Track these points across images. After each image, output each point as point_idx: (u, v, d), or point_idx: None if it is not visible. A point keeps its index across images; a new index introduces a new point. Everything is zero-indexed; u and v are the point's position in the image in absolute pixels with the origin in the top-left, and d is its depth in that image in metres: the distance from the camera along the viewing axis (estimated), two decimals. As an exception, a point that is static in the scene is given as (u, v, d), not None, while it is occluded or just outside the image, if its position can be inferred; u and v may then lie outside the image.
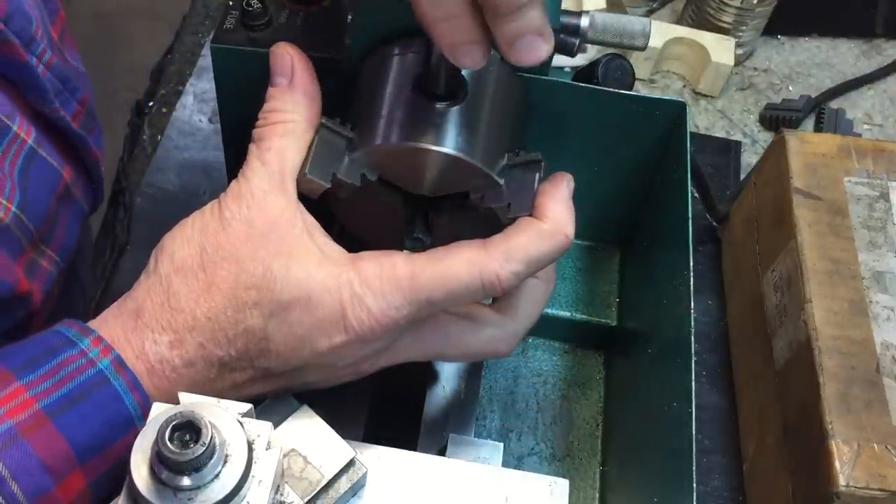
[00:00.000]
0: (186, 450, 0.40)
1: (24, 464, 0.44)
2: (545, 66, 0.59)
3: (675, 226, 0.61)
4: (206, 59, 1.01)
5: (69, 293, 0.70)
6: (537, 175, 0.52)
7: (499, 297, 0.55)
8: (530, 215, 0.51)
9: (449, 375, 0.68)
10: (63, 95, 0.61)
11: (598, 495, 0.70)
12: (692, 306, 0.57)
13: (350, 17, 0.57)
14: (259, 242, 0.48)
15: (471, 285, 0.49)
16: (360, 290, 0.48)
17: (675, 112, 0.63)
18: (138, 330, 0.48)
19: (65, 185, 0.64)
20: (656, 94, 0.75)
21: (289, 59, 0.52)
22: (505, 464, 0.61)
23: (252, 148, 0.51)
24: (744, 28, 1.02)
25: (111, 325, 0.48)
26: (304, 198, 0.52)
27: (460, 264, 0.48)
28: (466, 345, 0.54)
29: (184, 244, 0.49)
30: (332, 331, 0.48)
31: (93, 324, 0.49)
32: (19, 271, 0.58)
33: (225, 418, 0.43)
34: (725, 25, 1.02)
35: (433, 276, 0.48)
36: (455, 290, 0.49)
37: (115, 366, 0.46)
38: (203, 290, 0.48)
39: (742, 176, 0.96)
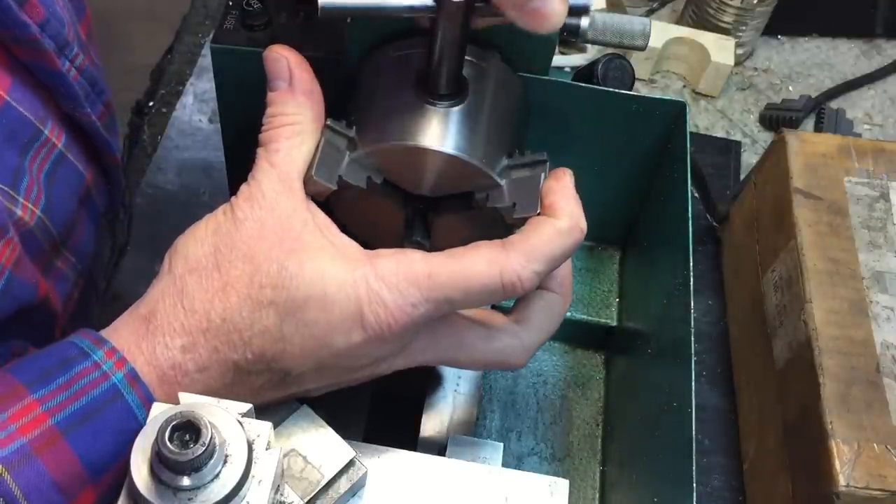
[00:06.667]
0: (186, 450, 0.40)
1: (37, 484, 0.43)
2: (545, 65, 0.59)
3: (675, 226, 0.61)
4: (206, 59, 1.01)
5: (85, 297, 0.70)
6: (542, 175, 0.52)
7: (516, 307, 0.55)
8: (538, 214, 0.51)
9: (449, 375, 0.68)
10: (91, 98, 0.61)
11: (598, 495, 0.70)
12: (692, 306, 0.57)
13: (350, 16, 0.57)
14: (273, 241, 0.48)
15: (490, 285, 0.48)
16: (376, 285, 0.47)
17: (675, 112, 0.63)
18: (150, 335, 0.47)
19: (86, 187, 0.64)
20: (656, 94, 0.75)
21: (284, 62, 0.52)
22: (505, 464, 0.61)
23: (260, 151, 0.51)
24: (744, 28, 1.02)
25: (122, 332, 0.48)
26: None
27: (480, 264, 0.48)
28: (480, 352, 0.53)
29: (197, 245, 0.49)
30: (349, 329, 0.48)
31: (105, 333, 0.48)
32: (38, 274, 0.58)
33: (225, 418, 0.43)
34: (725, 25, 1.02)
35: (452, 275, 0.48)
36: (474, 290, 0.48)
37: (129, 379, 0.46)
38: (218, 289, 0.47)
39: (742, 176, 0.96)
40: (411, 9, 0.47)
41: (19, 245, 0.54)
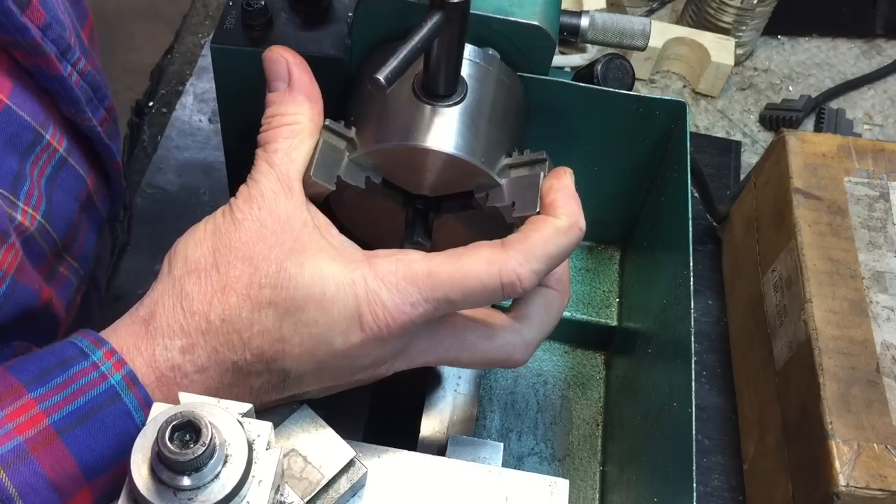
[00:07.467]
0: (186, 450, 0.40)
1: (33, 483, 0.43)
2: (545, 65, 0.59)
3: (675, 226, 0.61)
4: (206, 59, 1.01)
5: (87, 300, 0.70)
6: (542, 173, 0.52)
7: (515, 305, 0.55)
8: (538, 213, 0.51)
9: (449, 375, 0.68)
10: (93, 103, 0.61)
11: (598, 495, 0.70)
12: (692, 306, 0.57)
13: (351, 16, 0.57)
14: (272, 241, 0.48)
15: (489, 285, 0.48)
16: (374, 284, 0.47)
17: (675, 112, 0.63)
18: (149, 336, 0.47)
19: (88, 192, 0.64)
20: (656, 94, 0.75)
21: (284, 63, 0.52)
22: (505, 464, 0.61)
23: (259, 152, 0.51)
24: (744, 28, 1.02)
25: (122, 334, 0.48)
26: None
27: (479, 263, 0.48)
28: (482, 351, 0.53)
29: (196, 246, 0.49)
30: (348, 329, 0.48)
31: (105, 334, 0.48)
32: (41, 279, 0.58)
33: (225, 418, 0.43)
34: (725, 25, 1.02)
35: (451, 275, 0.48)
36: (473, 290, 0.48)
37: (127, 381, 0.46)
38: (217, 290, 0.47)
39: (742, 176, 0.96)
40: (431, 31, 0.47)
41: (21, 251, 0.54)
